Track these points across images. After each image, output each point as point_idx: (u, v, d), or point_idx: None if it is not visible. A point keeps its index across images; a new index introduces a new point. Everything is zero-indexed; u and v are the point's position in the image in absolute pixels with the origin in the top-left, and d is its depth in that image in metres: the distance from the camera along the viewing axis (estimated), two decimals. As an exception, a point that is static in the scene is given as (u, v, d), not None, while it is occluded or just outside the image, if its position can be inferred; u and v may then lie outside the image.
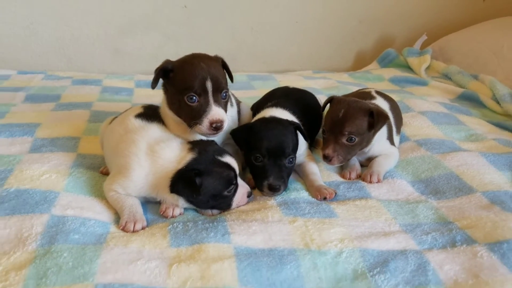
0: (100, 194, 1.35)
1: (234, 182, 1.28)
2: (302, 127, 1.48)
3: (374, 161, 1.56)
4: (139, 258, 1.06)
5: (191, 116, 1.30)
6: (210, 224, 1.20)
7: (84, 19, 2.70)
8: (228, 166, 1.27)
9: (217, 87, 1.30)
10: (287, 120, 1.49)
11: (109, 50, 2.81)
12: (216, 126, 1.28)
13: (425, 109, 2.00)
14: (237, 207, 1.33)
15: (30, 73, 2.54)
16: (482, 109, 2.18)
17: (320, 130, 1.68)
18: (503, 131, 1.92)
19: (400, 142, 1.74)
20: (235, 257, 1.07)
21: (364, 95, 1.70)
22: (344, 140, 1.45)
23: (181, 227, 1.20)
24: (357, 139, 1.45)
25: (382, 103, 1.66)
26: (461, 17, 3.09)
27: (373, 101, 1.64)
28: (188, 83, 1.28)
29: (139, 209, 1.27)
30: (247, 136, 1.43)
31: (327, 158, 1.46)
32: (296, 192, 1.40)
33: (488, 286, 1.00)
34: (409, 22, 3.12)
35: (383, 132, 1.56)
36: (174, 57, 2.74)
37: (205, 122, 1.28)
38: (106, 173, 1.45)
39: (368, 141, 1.51)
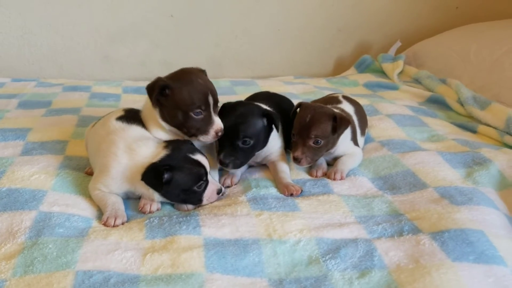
0: (84, 192, 1.47)
1: (204, 179, 1.40)
2: (276, 116, 1.58)
3: (338, 160, 1.68)
4: (116, 249, 1.18)
5: (197, 128, 1.46)
6: (184, 218, 1.32)
7: (75, 28, 2.83)
8: (198, 164, 1.39)
9: (215, 100, 1.48)
10: (258, 107, 1.61)
11: (99, 58, 2.92)
12: (219, 134, 1.47)
13: (392, 112, 2.13)
14: (209, 203, 1.45)
15: (24, 81, 2.64)
16: (448, 111, 2.30)
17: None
18: (464, 131, 2.04)
19: (366, 143, 1.86)
20: (204, 247, 1.19)
21: (332, 99, 1.84)
22: (311, 142, 1.58)
23: (156, 222, 1.31)
24: (322, 142, 1.58)
25: (347, 107, 1.79)
26: (435, 24, 3.21)
27: (339, 105, 1.77)
28: (193, 100, 1.43)
29: (120, 206, 1.40)
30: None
31: (296, 160, 1.59)
32: (266, 189, 1.52)
33: (426, 270, 1.11)
34: (385, 30, 3.24)
35: (347, 134, 1.68)
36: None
37: (211, 132, 1.46)
38: (90, 174, 1.56)
39: (333, 143, 1.64)
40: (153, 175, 1.34)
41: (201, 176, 1.38)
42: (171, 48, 2.97)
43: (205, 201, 1.43)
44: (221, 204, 1.43)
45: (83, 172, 1.60)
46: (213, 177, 1.53)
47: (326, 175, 1.65)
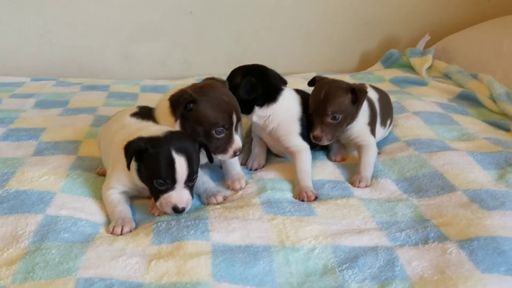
0: (95, 194, 1.42)
1: (167, 181, 1.28)
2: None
3: (359, 165, 1.58)
4: (121, 255, 1.12)
5: (216, 146, 1.42)
6: (192, 222, 1.25)
7: (95, 27, 2.81)
8: (170, 163, 1.26)
9: (238, 118, 1.45)
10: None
11: (119, 57, 2.90)
12: (237, 154, 1.46)
13: (419, 109, 2.01)
14: (159, 212, 1.35)
15: (43, 80, 2.64)
16: (479, 108, 2.17)
17: None
18: (497, 130, 1.92)
19: (390, 142, 1.77)
20: (212, 253, 1.13)
21: None
22: (329, 119, 1.54)
23: (164, 226, 1.25)
24: (340, 117, 1.55)
25: (371, 93, 1.72)
26: (466, 17, 3.06)
27: None
28: (217, 119, 1.39)
29: (128, 214, 1.33)
30: None
31: (316, 139, 1.55)
32: (281, 192, 1.44)
33: (452, 281, 1.02)
34: (413, 23, 3.11)
35: (365, 114, 1.64)
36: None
37: (230, 152, 1.44)
38: (102, 174, 1.52)
39: (352, 117, 1.60)
40: (127, 147, 1.28)
41: (163, 175, 1.27)
42: (190, 46, 2.93)
43: (158, 203, 1.32)
44: (233, 206, 1.36)
45: (94, 172, 1.55)
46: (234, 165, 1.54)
47: (350, 182, 1.54)
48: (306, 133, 1.62)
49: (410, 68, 2.77)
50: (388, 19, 3.10)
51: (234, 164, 1.56)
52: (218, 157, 1.45)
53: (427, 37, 2.92)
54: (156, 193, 1.31)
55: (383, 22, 3.11)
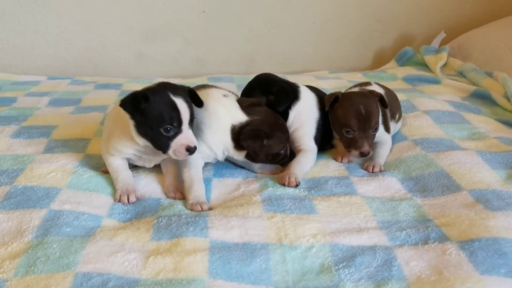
0: (100, 189, 1.44)
1: (174, 124, 1.32)
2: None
3: (373, 154, 1.61)
4: (120, 250, 1.13)
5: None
6: (192, 219, 1.26)
7: (110, 26, 2.85)
8: (173, 106, 1.31)
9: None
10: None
11: (133, 56, 2.94)
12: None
13: (430, 108, 1.97)
14: (175, 156, 1.37)
15: (59, 79, 2.70)
16: (493, 107, 2.12)
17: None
18: (510, 129, 1.86)
19: (397, 141, 1.74)
20: (209, 250, 1.13)
21: (362, 84, 1.82)
22: (371, 132, 1.56)
23: (165, 221, 1.26)
24: (378, 126, 1.58)
25: (377, 89, 1.74)
26: (482, 14, 2.99)
27: (368, 87, 1.75)
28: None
29: (130, 180, 1.43)
30: None
31: (365, 155, 1.55)
32: (283, 188, 1.44)
33: (449, 283, 1.00)
34: (429, 20, 3.06)
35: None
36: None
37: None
38: (106, 172, 1.54)
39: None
40: (130, 100, 1.31)
41: (169, 120, 1.31)
42: (203, 44, 2.94)
43: (171, 151, 1.35)
44: (234, 204, 1.36)
45: (100, 171, 1.57)
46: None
47: (364, 168, 1.60)
48: (319, 137, 1.65)
49: (425, 66, 2.73)
50: (403, 16, 3.06)
51: None
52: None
53: (442, 35, 2.87)
54: (165, 142, 1.34)
55: (397, 19, 3.07)
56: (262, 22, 2.96)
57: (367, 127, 1.54)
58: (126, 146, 1.45)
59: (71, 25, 2.81)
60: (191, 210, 1.35)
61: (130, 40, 2.90)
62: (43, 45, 2.82)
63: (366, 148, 1.54)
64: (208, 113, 1.49)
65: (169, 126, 1.32)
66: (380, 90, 1.73)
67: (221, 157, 1.54)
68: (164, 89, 1.35)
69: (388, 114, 1.70)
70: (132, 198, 1.37)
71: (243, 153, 1.50)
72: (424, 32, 3.07)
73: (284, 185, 1.44)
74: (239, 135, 1.46)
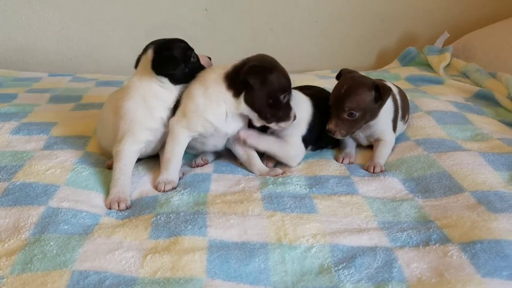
0: (99, 188, 1.43)
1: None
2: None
3: (374, 154, 1.61)
4: (117, 248, 1.12)
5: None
6: (191, 217, 1.25)
7: (112, 24, 2.84)
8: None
9: None
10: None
11: (135, 53, 2.91)
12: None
13: (433, 109, 1.95)
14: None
15: (60, 76, 2.69)
16: (496, 108, 2.10)
17: None
18: (513, 130, 1.85)
19: (399, 142, 1.72)
20: (207, 250, 1.12)
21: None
22: (345, 115, 1.52)
23: (163, 219, 1.25)
24: (358, 114, 1.52)
25: (392, 88, 1.70)
26: (487, 14, 2.97)
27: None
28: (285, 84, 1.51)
29: (127, 190, 1.41)
30: None
31: (330, 132, 1.55)
32: (283, 186, 1.42)
33: (450, 285, 0.99)
34: (433, 20, 3.04)
35: (389, 111, 1.63)
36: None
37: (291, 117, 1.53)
38: (111, 168, 1.51)
39: (372, 115, 1.57)
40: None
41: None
42: (206, 42, 2.91)
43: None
44: (233, 200, 1.35)
45: (100, 167, 1.56)
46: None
47: (365, 168, 1.58)
48: (310, 138, 1.62)
49: (428, 66, 2.71)
50: (407, 16, 3.04)
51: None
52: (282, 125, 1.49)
53: (446, 35, 2.85)
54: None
55: (401, 19, 3.05)
56: (265, 20, 2.94)
57: (339, 107, 1.52)
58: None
59: (73, 22, 2.81)
60: (155, 187, 1.45)
61: (132, 38, 2.88)
62: (45, 42, 2.81)
63: (330, 125, 1.54)
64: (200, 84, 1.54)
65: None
66: (394, 88, 1.71)
67: (226, 125, 1.51)
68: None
69: (400, 113, 1.69)
70: (122, 207, 1.36)
71: (241, 101, 1.44)
72: (427, 32, 3.06)
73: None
74: (238, 75, 1.43)
